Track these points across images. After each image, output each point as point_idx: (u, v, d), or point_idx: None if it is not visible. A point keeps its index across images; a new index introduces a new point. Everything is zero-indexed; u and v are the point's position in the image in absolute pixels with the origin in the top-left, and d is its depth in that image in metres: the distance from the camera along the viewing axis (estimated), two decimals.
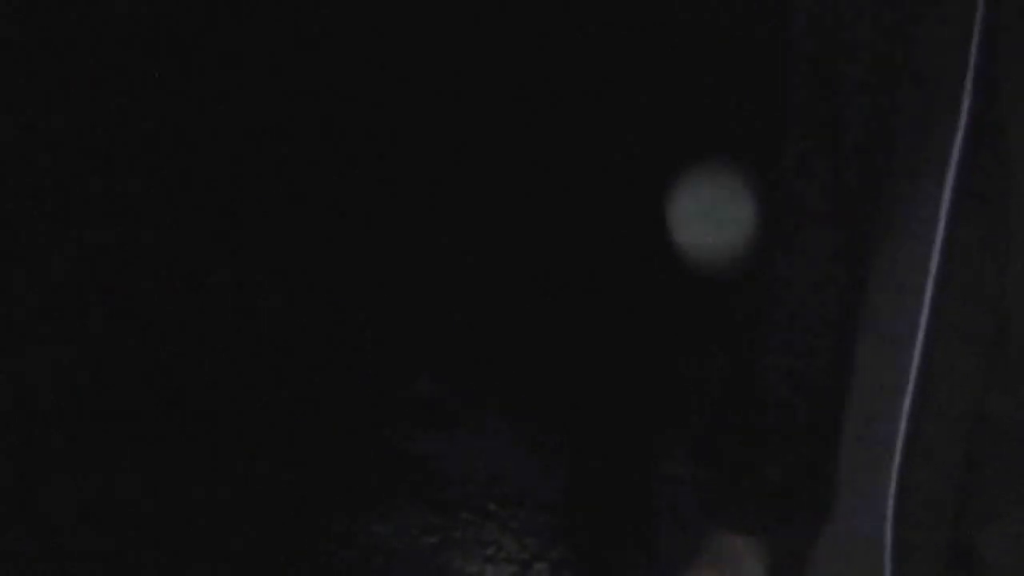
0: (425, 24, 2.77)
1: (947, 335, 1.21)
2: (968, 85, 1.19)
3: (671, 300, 2.77)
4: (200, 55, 2.73)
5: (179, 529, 2.80)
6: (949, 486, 1.24)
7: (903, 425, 1.22)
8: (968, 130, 1.19)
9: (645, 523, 2.90)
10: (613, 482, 2.96)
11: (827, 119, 1.29)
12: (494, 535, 2.92)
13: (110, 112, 2.75)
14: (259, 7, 2.72)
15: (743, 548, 1.45)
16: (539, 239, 2.91)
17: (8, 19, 2.52)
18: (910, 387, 1.22)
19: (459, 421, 3.07)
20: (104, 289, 2.85)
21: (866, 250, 1.25)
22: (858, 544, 1.28)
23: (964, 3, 1.19)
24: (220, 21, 2.70)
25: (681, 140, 2.57)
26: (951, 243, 1.20)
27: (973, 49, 1.19)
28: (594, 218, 2.86)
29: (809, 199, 1.32)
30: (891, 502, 1.25)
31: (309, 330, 3.04)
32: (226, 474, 2.91)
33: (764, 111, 1.47)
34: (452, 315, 3.05)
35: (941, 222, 1.20)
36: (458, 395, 3.09)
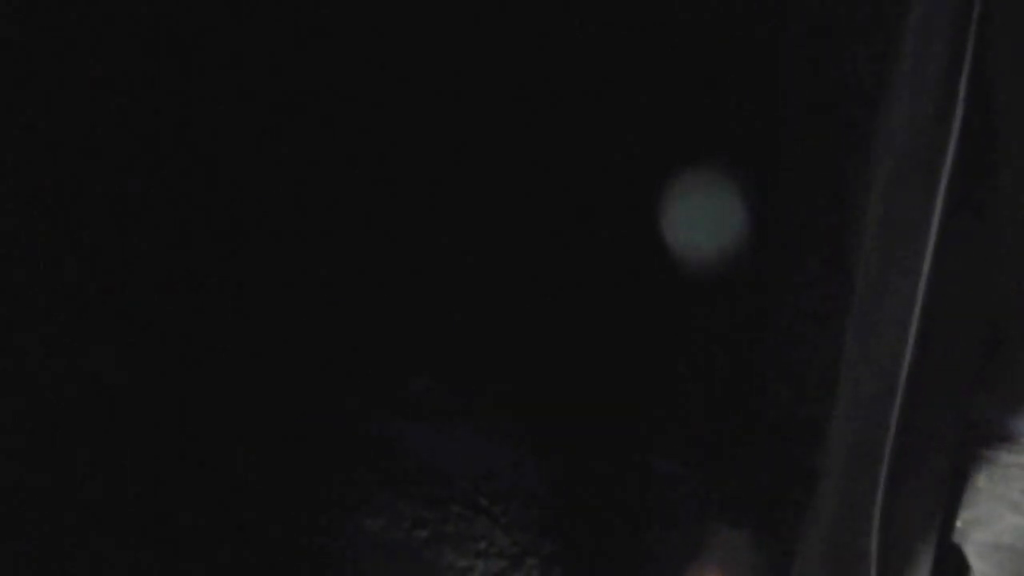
0: (423, 24, 2.77)
1: (937, 341, 1.22)
2: (962, 89, 1.20)
3: (669, 298, 2.77)
4: (200, 55, 2.72)
5: (169, 525, 2.80)
6: (937, 493, 1.25)
7: (892, 431, 1.23)
8: (961, 135, 1.20)
9: (638, 519, 2.91)
10: (606, 478, 2.96)
11: (827, 120, 1.30)
12: (485, 530, 2.92)
13: (110, 112, 2.74)
14: (259, 7, 2.71)
15: (736, 547, 1.47)
16: (537, 236, 2.91)
17: (8, 19, 2.52)
18: (899, 393, 1.23)
19: (451, 416, 3.07)
20: (104, 289, 2.84)
21: (860, 253, 1.26)
22: (845, 550, 1.28)
23: (960, 6, 1.20)
24: (220, 21, 2.70)
25: (679, 140, 2.57)
26: (942, 249, 1.21)
27: (968, 53, 1.20)
28: (593, 216, 2.86)
29: (808, 200, 1.33)
30: (878, 508, 1.26)
31: (302, 325, 3.04)
32: (218, 470, 2.91)
33: (764, 112, 1.48)
34: (445, 311, 3.05)
35: (933, 228, 1.21)
36: (450, 390, 3.08)
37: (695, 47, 2.53)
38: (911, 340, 1.23)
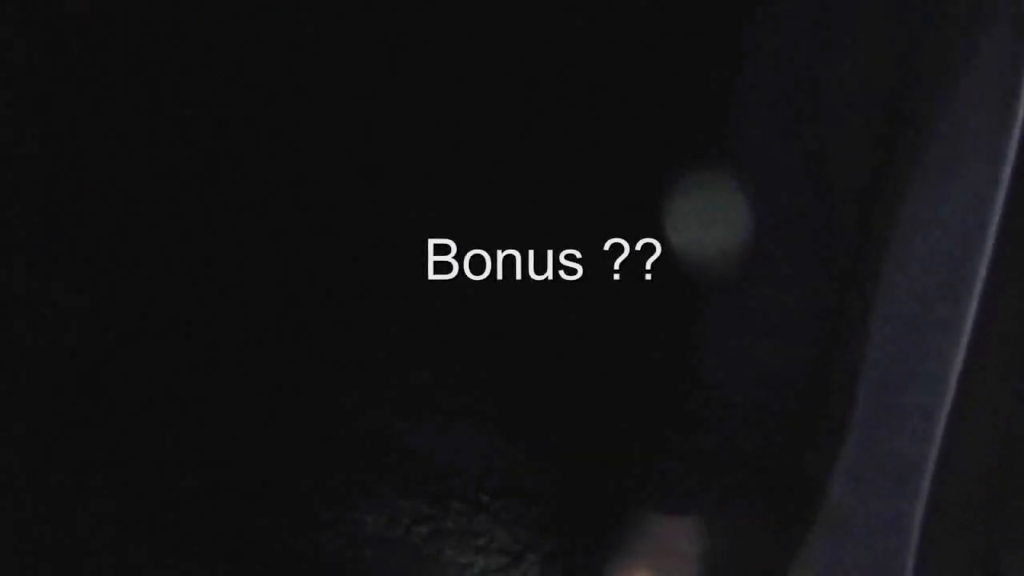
0: (422, 24, 2.77)
1: (990, 350, 1.17)
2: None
3: (669, 298, 2.77)
4: (200, 55, 2.72)
5: (170, 525, 2.80)
6: (978, 506, 1.22)
7: (937, 443, 1.19)
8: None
9: (638, 515, 2.90)
10: (606, 474, 2.96)
11: (826, 121, 1.28)
12: (486, 526, 2.93)
13: (110, 112, 2.74)
14: (259, 7, 2.72)
15: (737, 547, 1.45)
16: (537, 236, 2.92)
17: (8, 19, 2.52)
18: (947, 403, 1.18)
19: (451, 411, 3.07)
20: (103, 288, 2.84)
21: (877, 256, 1.23)
22: (882, 565, 1.25)
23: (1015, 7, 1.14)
24: (219, 21, 2.70)
25: (675, 139, 2.57)
26: (1000, 252, 1.16)
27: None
28: (592, 216, 2.86)
29: (809, 200, 1.31)
30: (918, 521, 1.23)
31: (301, 320, 3.05)
32: (217, 465, 2.91)
33: (765, 113, 1.47)
34: (445, 307, 3.06)
35: (991, 230, 1.16)
36: (450, 385, 3.09)
37: (696, 46, 2.54)
38: (963, 346, 1.19)
